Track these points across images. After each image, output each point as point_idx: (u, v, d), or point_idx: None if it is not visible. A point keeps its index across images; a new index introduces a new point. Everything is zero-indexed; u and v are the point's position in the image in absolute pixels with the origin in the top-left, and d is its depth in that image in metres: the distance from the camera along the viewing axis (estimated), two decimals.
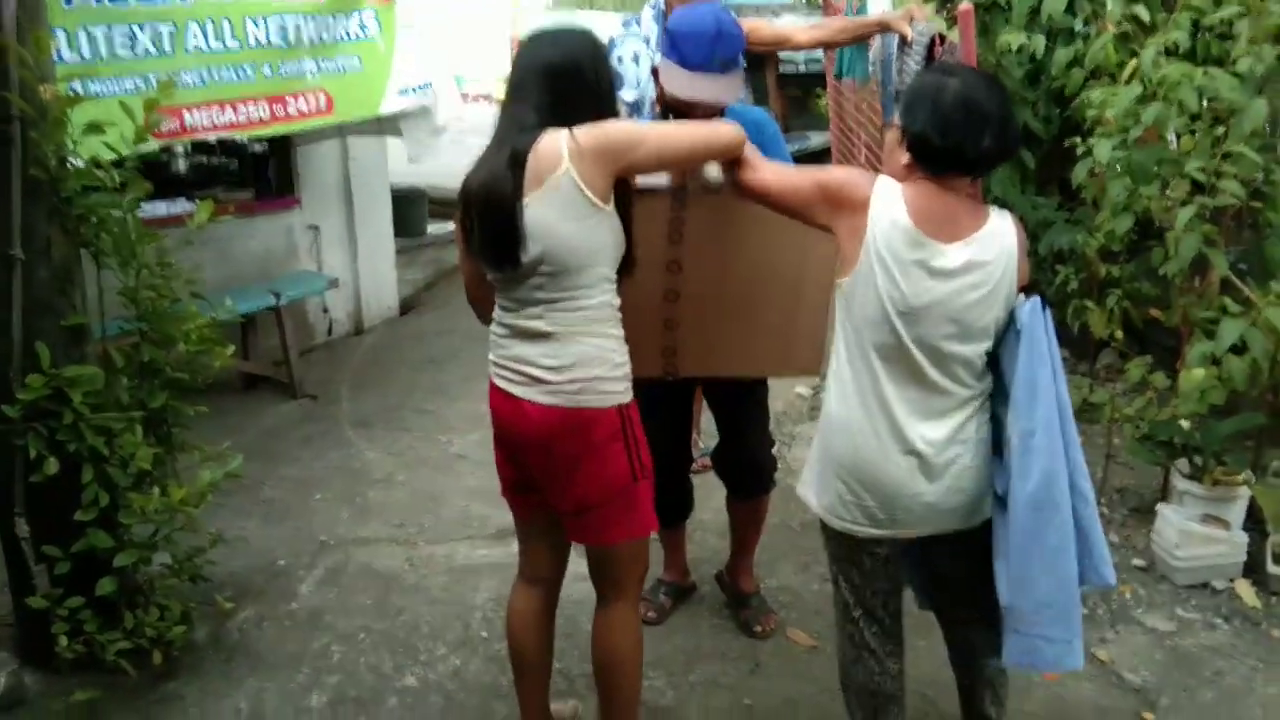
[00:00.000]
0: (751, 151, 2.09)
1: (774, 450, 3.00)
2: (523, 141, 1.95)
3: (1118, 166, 3.11)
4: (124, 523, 2.44)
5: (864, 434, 1.95)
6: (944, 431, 1.95)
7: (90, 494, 2.35)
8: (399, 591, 3.22)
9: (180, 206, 4.78)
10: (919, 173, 1.89)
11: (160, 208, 4.63)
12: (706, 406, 2.99)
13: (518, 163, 1.94)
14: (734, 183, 2.06)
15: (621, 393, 2.08)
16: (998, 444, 2.01)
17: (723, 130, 2.08)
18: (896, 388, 1.93)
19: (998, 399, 2.00)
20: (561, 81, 2.00)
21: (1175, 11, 3.12)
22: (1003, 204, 4.84)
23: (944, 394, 1.94)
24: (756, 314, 2.49)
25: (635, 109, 3.39)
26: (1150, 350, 4.04)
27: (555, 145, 1.94)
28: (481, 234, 2.01)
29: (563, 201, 1.93)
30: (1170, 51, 3.05)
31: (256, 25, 4.07)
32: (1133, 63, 3.16)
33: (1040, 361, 1.90)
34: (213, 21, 3.94)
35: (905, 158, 1.90)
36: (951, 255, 1.87)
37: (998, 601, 1.99)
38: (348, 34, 4.38)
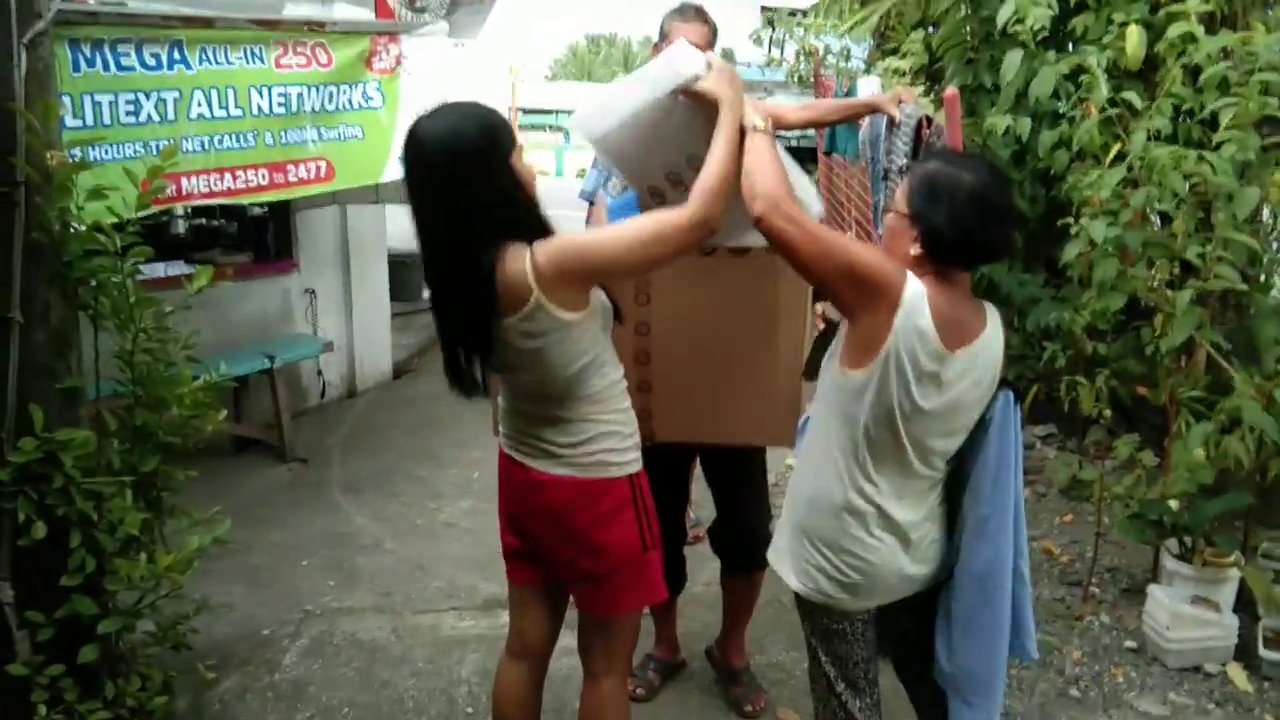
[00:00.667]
0: (790, 198, 1.90)
1: (771, 523, 2.98)
2: (485, 264, 1.87)
3: (1109, 247, 3.17)
4: (110, 589, 2.40)
5: (849, 515, 1.96)
6: (921, 512, 2.00)
7: (77, 559, 2.32)
8: (384, 663, 3.17)
9: (179, 269, 4.83)
10: (928, 266, 1.87)
11: (159, 269, 4.68)
12: (700, 475, 2.99)
13: (487, 289, 1.87)
14: (759, 218, 1.86)
15: (632, 462, 2.08)
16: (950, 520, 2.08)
17: (675, 218, 1.88)
18: (881, 473, 1.94)
19: (952, 479, 2.05)
20: (468, 179, 1.88)
21: (1157, 98, 3.22)
22: (991, 282, 4.94)
23: (921, 479, 1.98)
24: (728, 379, 2.47)
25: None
26: (1138, 428, 4.07)
27: (519, 269, 1.85)
28: (452, 358, 2.01)
29: (542, 328, 1.89)
30: (1154, 136, 3.13)
31: (260, 94, 4.15)
32: (1116, 146, 3.24)
33: (1007, 451, 1.98)
34: (217, 90, 4.01)
35: (914, 249, 1.87)
36: (956, 365, 1.87)
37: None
38: (351, 103, 4.46)
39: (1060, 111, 4.23)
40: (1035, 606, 3.53)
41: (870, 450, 1.92)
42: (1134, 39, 3.23)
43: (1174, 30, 3.10)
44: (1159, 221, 3.44)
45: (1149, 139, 3.10)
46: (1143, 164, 3.06)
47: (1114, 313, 3.32)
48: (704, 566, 3.04)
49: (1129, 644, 3.33)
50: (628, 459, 2.07)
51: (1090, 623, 3.47)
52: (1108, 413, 3.51)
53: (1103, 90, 3.19)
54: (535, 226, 1.93)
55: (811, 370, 2.29)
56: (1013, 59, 3.68)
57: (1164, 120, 3.14)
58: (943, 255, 1.86)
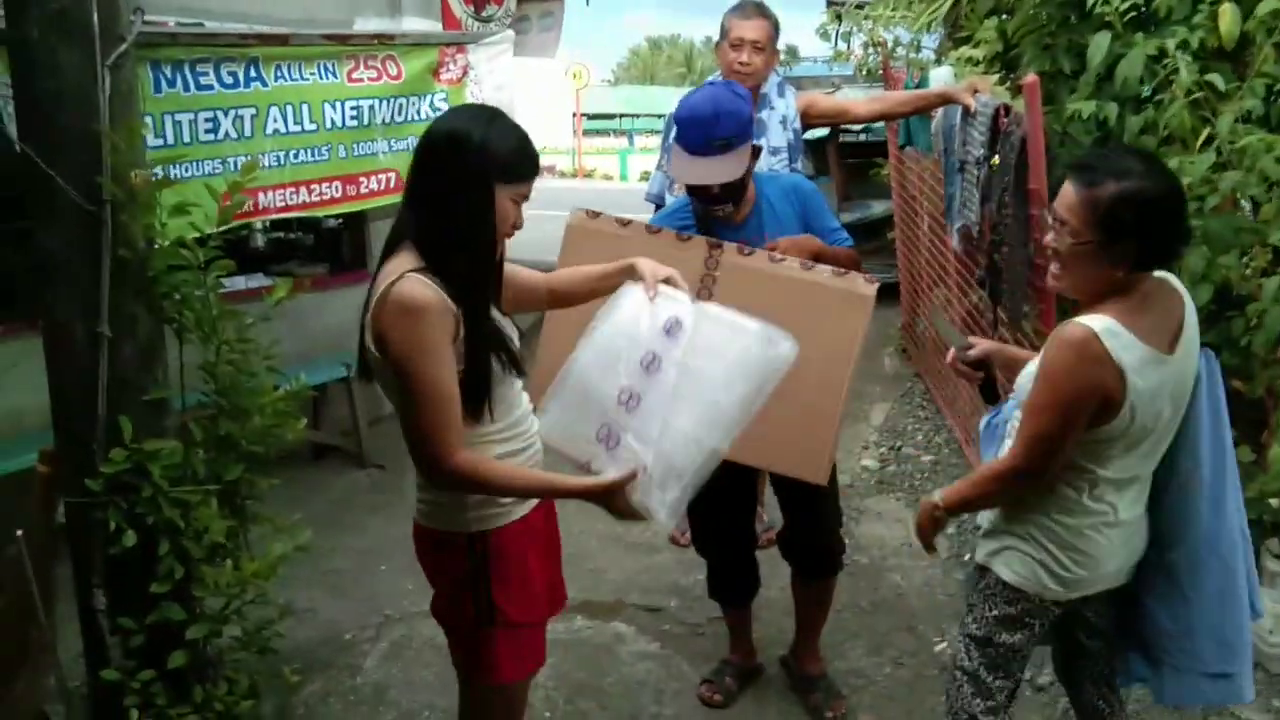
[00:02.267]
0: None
1: (842, 527, 2.93)
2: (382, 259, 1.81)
3: (1196, 235, 3.04)
4: (197, 595, 2.46)
5: (1081, 515, 1.92)
6: (1142, 504, 1.98)
7: (166, 566, 2.38)
8: None
9: (258, 281, 4.95)
10: (1119, 281, 1.81)
11: (239, 282, 4.80)
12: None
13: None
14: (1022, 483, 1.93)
15: (474, 520, 1.90)
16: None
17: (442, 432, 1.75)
18: (1116, 478, 1.91)
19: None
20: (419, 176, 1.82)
21: (1248, 78, 3.08)
22: None
23: (1150, 471, 1.96)
24: (780, 407, 2.20)
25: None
26: (1234, 424, 3.90)
27: (383, 281, 1.77)
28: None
29: (374, 352, 1.81)
30: (1245, 119, 3.00)
31: (333, 108, 4.24)
32: (1205, 130, 3.11)
33: (1220, 408, 1.97)
34: (292, 106, 4.11)
35: (1119, 271, 1.80)
36: (1179, 355, 1.85)
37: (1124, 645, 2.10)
38: (419, 114, 4.53)
39: (1145, 95, 4.09)
40: None
41: (1109, 465, 1.88)
42: (1228, 17, 3.09)
43: (1265, 7, 2.96)
44: (1250, 208, 3.29)
45: (1239, 121, 2.96)
46: (1233, 148, 2.92)
47: (1205, 304, 3.18)
48: (779, 570, 3.00)
49: None
50: (468, 515, 1.89)
51: None
52: None
53: (1184, 72, 3.06)
54: (459, 268, 1.77)
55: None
56: (1100, 41, 3.55)
57: (1256, 101, 3.01)
58: (1158, 261, 1.83)
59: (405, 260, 1.78)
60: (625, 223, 2.48)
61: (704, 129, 2.48)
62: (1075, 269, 1.85)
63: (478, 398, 1.84)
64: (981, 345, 2.17)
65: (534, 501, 1.97)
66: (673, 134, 2.72)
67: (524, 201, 1.86)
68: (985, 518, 2.09)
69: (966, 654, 2.10)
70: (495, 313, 1.92)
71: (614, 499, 1.82)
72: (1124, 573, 2.01)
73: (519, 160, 1.81)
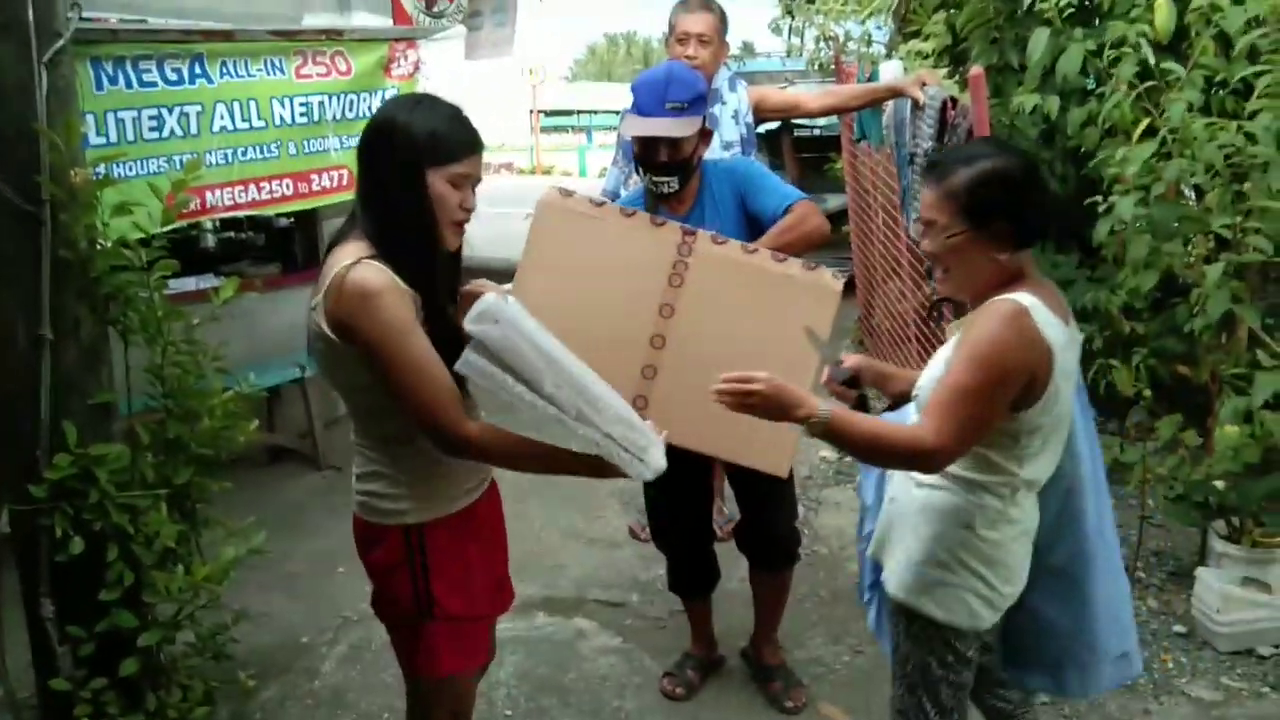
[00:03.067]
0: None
1: (800, 518, 2.95)
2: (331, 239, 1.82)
3: (1140, 224, 3.11)
4: (148, 602, 2.43)
5: (1006, 525, 1.87)
6: (1034, 501, 1.95)
7: (115, 573, 2.34)
8: None
9: (208, 282, 4.87)
10: (1012, 264, 1.77)
11: (190, 283, 4.72)
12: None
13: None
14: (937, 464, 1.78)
15: (409, 512, 1.87)
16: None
17: (449, 414, 1.74)
18: (1033, 476, 1.86)
19: None
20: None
21: (1188, 70, 3.14)
22: None
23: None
24: None
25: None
26: (1180, 408, 3.98)
27: (333, 266, 1.75)
28: None
29: (318, 333, 1.79)
30: (1186, 109, 3.06)
31: (281, 105, 4.18)
32: (1145, 120, 3.17)
33: (1086, 406, 1.97)
34: (239, 102, 4.05)
35: (1003, 254, 1.76)
36: (1077, 338, 1.85)
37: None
38: (371, 110, 4.47)
39: (1089, 88, 4.16)
40: None
41: (1026, 465, 1.83)
42: (1163, 11, 3.16)
43: None
44: (1194, 196, 3.36)
45: (1188, 110, 3.03)
46: (1175, 138, 2.98)
47: (1149, 291, 3.25)
48: (739, 562, 3.01)
49: (1178, 629, 3.26)
50: (401, 507, 1.87)
51: (1138, 608, 3.40)
52: (1147, 393, 3.44)
53: (1130, 66, 3.12)
54: (398, 247, 1.76)
55: None
56: (1040, 36, 3.61)
57: (1195, 92, 3.07)
58: (1034, 235, 1.81)
59: (354, 249, 1.77)
60: (599, 204, 2.47)
61: (657, 91, 2.51)
62: (958, 264, 1.80)
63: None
64: (851, 361, 2.09)
65: (473, 495, 1.95)
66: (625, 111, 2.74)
67: (467, 182, 1.83)
68: (898, 548, 1.96)
69: (915, 703, 1.97)
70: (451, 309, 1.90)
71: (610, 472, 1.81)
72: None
73: (448, 140, 1.78)
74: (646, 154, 2.56)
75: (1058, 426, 1.83)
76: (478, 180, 1.86)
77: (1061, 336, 1.74)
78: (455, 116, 1.81)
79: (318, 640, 3.34)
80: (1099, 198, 3.27)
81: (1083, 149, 3.82)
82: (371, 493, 1.89)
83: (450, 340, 1.79)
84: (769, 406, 1.77)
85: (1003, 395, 1.71)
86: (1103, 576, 1.97)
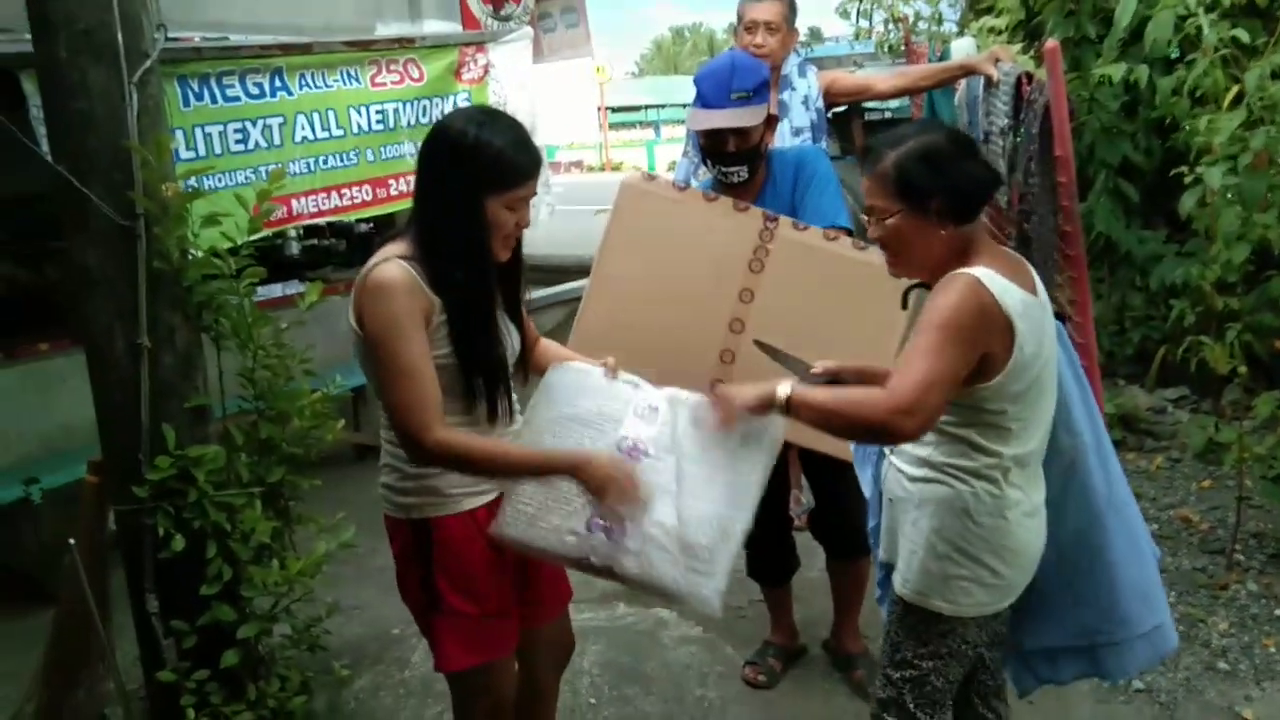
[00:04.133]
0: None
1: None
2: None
3: (1229, 194, 2.99)
4: (246, 596, 2.52)
5: (1007, 510, 1.81)
6: (1036, 476, 1.90)
7: (214, 568, 2.44)
8: None
9: (294, 288, 5.03)
10: (959, 238, 1.76)
11: (275, 290, 4.88)
12: None
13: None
14: (896, 433, 1.72)
15: (414, 508, 1.92)
16: None
17: (430, 416, 1.79)
18: (1022, 452, 1.81)
19: None
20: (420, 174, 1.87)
21: (1277, 34, 3.02)
22: (1109, 241, 4.72)
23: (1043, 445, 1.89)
24: None
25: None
26: (1274, 384, 3.83)
27: (370, 263, 1.83)
28: None
29: (350, 324, 1.87)
30: (1276, 75, 2.94)
31: (359, 113, 4.28)
32: (1235, 88, 3.06)
33: (1079, 371, 1.96)
34: (318, 113, 4.16)
35: (944, 229, 1.75)
36: (1043, 302, 1.80)
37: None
38: (442, 115, 4.56)
39: (1172, 56, 4.02)
40: (1175, 577, 3.40)
41: (1010, 441, 1.78)
42: None
43: None
44: None
45: (1270, 77, 2.90)
46: (1262, 104, 2.87)
47: (1242, 264, 3.13)
48: (819, 552, 3.00)
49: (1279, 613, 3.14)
50: (409, 501, 1.93)
51: (1236, 592, 3.28)
52: (1243, 370, 3.31)
53: (1206, 30, 3.00)
54: (454, 272, 1.80)
55: None
56: (1128, 3, 3.50)
57: None
58: (968, 206, 1.77)
59: (395, 248, 1.84)
60: (682, 188, 2.48)
61: (721, 82, 2.50)
62: (904, 245, 1.80)
63: (471, 390, 1.88)
64: (823, 365, 2.05)
65: (483, 497, 1.96)
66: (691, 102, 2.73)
67: (524, 204, 1.87)
68: (904, 547, 1.92)
69: (896, 695, 1.92)
70: (502, 317, 1.95)
71: (596, 469, 1.83)
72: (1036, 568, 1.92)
73: (511, 166, 1.81)
74: (714, 145, 2.56)
75: (1038, 399, 1.79)
76: (534, 194, 1.90)
77: (1018, 304, 1.70)
78: (518, 140, 1.83)
79: (407, 632, 3.43)
80: (1184, 169, 3.16)
81: (1167, 120, 3.70)
82: (387, 486, 1.96)
83: (488, 345, 1.87)
84: (731, 408, 1.87)
85: (959, 356, 1.66)
86: (1123, 546, 1.94)
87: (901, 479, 1.92)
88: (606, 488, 1.82)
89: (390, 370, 1.78)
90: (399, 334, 1.77)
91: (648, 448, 1.91)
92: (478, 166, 1.79)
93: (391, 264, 1.79)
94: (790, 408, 1.78)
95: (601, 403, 1.95)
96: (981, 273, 1.70)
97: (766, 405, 1.81)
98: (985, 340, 1.69)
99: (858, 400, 1.74)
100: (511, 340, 1.98)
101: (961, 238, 1.77)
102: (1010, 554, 1.84)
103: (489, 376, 1.90)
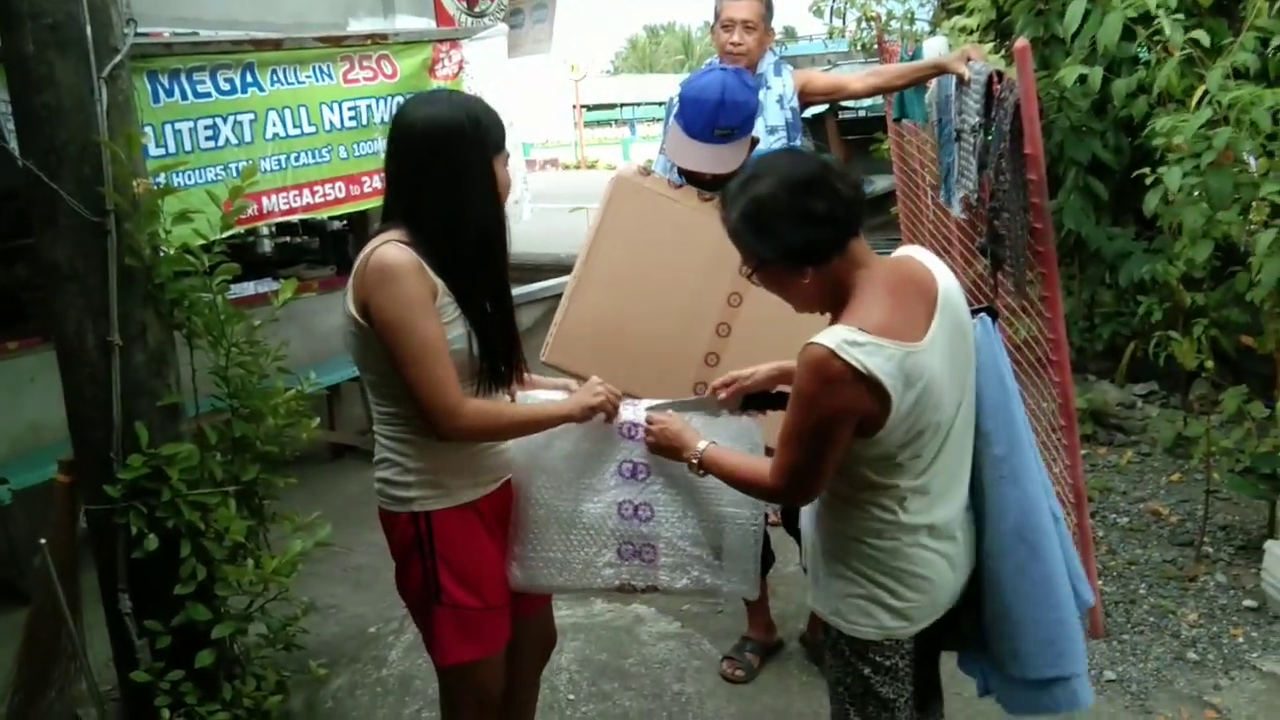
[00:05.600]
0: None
1: None
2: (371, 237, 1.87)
3: (1193, 193, 3.04)
4: (220, 595, 2.50)
5: (901, 534, 1.73)
6: (958, 501, 1.80)
7: (188, 568, 2.42)
8: None
9: (267, 286, 5.00)
10: (831, 279, 1.67)
11: (249, 288, 4.85)
12: None
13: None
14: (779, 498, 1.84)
15: (415, 500, 1.92)
16: None
17: (452, 396, 1.81)
18: (925, 479, 1.72)
19: None
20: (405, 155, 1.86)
21: (1241, 33, 3.07)
22: (1079, 238, 4.78)
23: (960, 466, 1.78)
24: None
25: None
26: (1245, 379, 3.89)
27: (369, 248, 1.81)
28: None
29: (346, 313, 1.85)
30: (1240, 73, 2.99)
31: (331, 110, 4.26)
32: (1201, 87, 3.10)
33: (1002, 379, 1.80)
34: (290, 109, 4.14)
35: (806, 276, 1.66)
36: (937, 338, 1.66)
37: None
38: (401, 109, 4.54)
39: (1137, 56, 4.08)
40: (1145, 569, 3.44)
41: (904, 475, 1.70)
42: None
43: None
44: (1253, 163, 3.27)
45: (1231, 77, 2.95)
46: (1227, 104, 2.91)
47: (1207, 261, 3.18)
48: (794, 547, 3.02)
49: (1248, 603, 3.20)
50: (410, 495, 1.92)
51: (1205, 583, 3.34)
52: (1210, 365, 3.37)
53: (1168, 29, 3.04)
54: (461, 245, 1.81)
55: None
56: (1075, 8, 3.54)
57: (1248, 55, 2.99)
58: (808, 258, 1.65)
59: (387, 236, 1.83)
60: (677, 185, 2.46)
61: (708, 115, 2.47)
62: (780, 291, 1.74)
63: (496, 363, 1.90)
64: (719, 382, 2.09)
65: (483, 489, 1.98)
66: (674, 112, 2.72)
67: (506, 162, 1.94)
68: (811, 559, 1.90)
69: (842, 710, 1.87)
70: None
71: (586, 397, 1.97)
72: (964, 580, 1.83)
73: (497, 125, 1.87)
74: (692, 174, 2.56)
75: (935, 433, 1.68)
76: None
77: (886, 361, 1.57)
78: (485, 104, 1.89)
79: (384, 630, 3.42)
80: (1146, 169, 3.21)
81: (1134, 118, 3.76)
82: (385, 480, 1.96)
83: (508, 318, 1.92)
84: (663, 447, 1.96)
85: (823, 434, 1.63)
86: (1021, 581, 1.80)
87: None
88: (602, 406, 1.98)
89: (413, 350, 1.78)
90: (417, 313, 1.77)
91: (651, 466, 2.04)
92: (485, 134, 1.82)
93: (391, 246, 1.78)
94: (703, 465, 1.90)
95: (580, 438, 2.04)
96: (839, 339, 1.58)
97: (689, 458, 1.92)
98: (850, 408, 1.60)
99: (749, 477, 1.82)
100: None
101: (830, 276, 1.67)
102: (908, 577, 1.75)
103: (507, 349, 1.93)
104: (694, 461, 1.90)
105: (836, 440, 1.64)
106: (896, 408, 1.60)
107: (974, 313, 1.80)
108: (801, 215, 1.63)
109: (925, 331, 1.65)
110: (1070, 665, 1.82)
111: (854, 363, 1.56)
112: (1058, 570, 1.81)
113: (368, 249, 1.81)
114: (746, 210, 1.67)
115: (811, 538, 1.90)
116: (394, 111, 4.44)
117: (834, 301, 1.70)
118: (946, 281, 1.72)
